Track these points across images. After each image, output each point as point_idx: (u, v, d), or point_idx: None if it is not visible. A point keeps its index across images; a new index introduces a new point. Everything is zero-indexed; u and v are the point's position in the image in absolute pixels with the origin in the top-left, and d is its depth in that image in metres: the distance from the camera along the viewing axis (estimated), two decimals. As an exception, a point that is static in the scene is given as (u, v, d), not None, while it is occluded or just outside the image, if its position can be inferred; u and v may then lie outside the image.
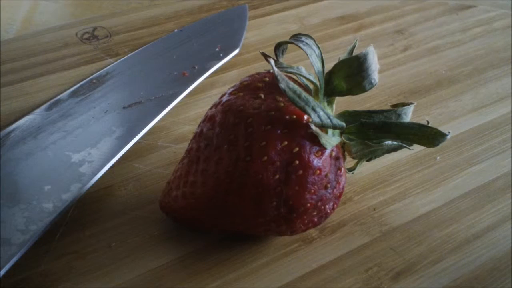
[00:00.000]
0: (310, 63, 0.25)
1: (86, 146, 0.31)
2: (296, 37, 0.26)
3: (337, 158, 0.25)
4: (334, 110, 0.27)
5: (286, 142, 0.24)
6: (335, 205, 0.26)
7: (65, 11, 0.55)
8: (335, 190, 0.25)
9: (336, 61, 0.25)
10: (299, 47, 0.26)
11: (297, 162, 0.24)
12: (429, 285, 0.27)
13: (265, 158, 0.24)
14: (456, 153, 0.35)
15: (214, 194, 0.25)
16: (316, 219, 0.26)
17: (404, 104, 0.27)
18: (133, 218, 0.29)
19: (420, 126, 0.25)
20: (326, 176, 0.25)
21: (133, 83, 0.38)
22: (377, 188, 0.32)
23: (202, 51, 0.42)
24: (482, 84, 0.41)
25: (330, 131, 0.25)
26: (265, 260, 0.27)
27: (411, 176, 0.33)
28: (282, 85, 0.23)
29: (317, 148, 0.24)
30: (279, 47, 0.26)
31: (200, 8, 0.50)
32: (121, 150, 0.31)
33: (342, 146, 0.26)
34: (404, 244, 0.29)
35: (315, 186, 0.24)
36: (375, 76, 0.25)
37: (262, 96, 0.25)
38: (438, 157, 0.34)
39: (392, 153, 0.27)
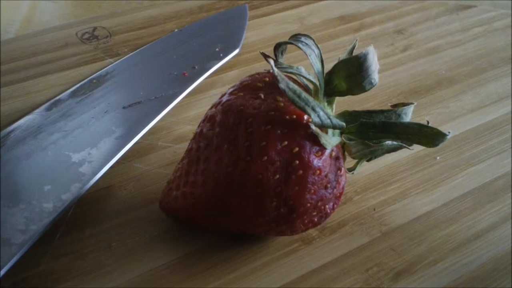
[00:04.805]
0: (310, 63, 0.25)
1: (86, 146, 0.31)
2: (295, 37, 0.26)
3: (337, 158, 0.25)
4: (334, 110, 0.27)
5: (286, 142, 0.24)
6: (335, 205, 0.26)
7: (65, 11, 0.55)
8: (335, 190, 0.25)
9: (336, 61, 0.25)
10: (299, 47, 0.26)
11: (297, 162, 0.24)
12: (429, 285, 0.27)
13: (265, 158, 0.24)
14: (456, 153, 0.35)
15: (214, 194, 0.25)
16: (316, 219, 0.26)
17: (404, 104, 0.27)
18: (133, 218, 0.29)
19: (420, 126, 0.25)
20: (326, 176, 0.25)
21: (133, 83, 0.38)
22: (377, 188, 0.32)
23: (202, 51, 0.42)
24: (482, 84, 0.41)
25: (330, 131, 0.25)
26: (265, 260, 0.27)
27: (411, 176, 0.33)
28: (282, 85, 0.23)
29: (317, 148, 0.24)
30: (279, 47, 0.26)
31: (200, 8, 0.50)
32: (121, 150, 0.31)
33: (342, 146, 0.26)
34: (404, 244, 0.29)
35: (315, 186, 0.24)
36: (375, 76, 0.25)
37: (262, 96, 0.25)
38: (438, 157, 0.34)
39: (392, 153, 0.27)
